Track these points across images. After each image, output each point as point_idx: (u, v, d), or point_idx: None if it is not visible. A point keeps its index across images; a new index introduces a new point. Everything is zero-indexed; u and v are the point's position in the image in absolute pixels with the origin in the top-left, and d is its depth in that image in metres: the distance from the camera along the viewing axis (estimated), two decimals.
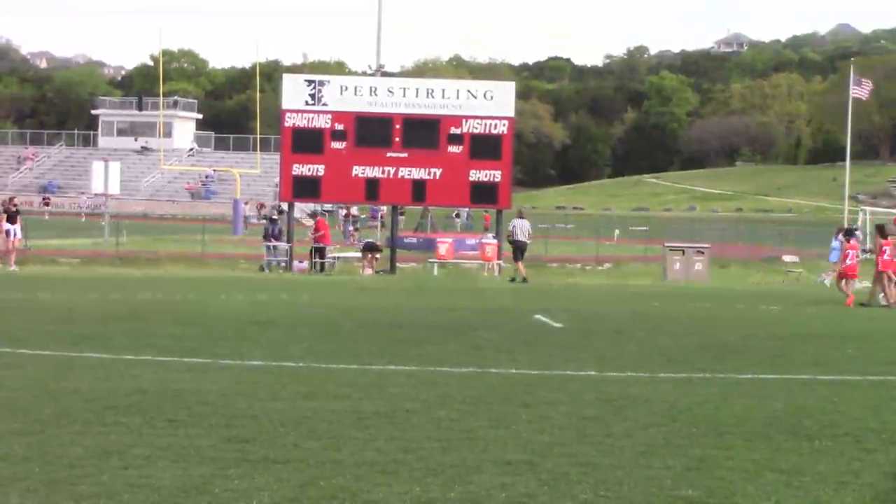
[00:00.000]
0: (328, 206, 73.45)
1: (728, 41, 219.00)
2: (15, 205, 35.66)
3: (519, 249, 34.62)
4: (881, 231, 28.50)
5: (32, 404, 10.57)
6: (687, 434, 9.89)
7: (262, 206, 77.39)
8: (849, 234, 28.55)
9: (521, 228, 34.95)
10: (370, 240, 40.75)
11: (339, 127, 36.08)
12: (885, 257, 27.00)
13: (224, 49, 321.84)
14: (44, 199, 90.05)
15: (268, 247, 37.70)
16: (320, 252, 36.88)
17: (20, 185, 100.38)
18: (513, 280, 33.84)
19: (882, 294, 26.84)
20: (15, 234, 34.39)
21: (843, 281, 27.68)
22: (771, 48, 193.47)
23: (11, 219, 34.51)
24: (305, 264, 36.72)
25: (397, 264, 37.18)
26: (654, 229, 60.44)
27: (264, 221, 47.51)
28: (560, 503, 7.59)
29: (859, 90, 54.93)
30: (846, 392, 12.61)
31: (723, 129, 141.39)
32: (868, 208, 66.25)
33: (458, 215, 67.73)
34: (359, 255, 38.40)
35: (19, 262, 34.00)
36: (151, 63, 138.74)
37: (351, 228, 56.79)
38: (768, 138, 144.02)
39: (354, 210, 59.12)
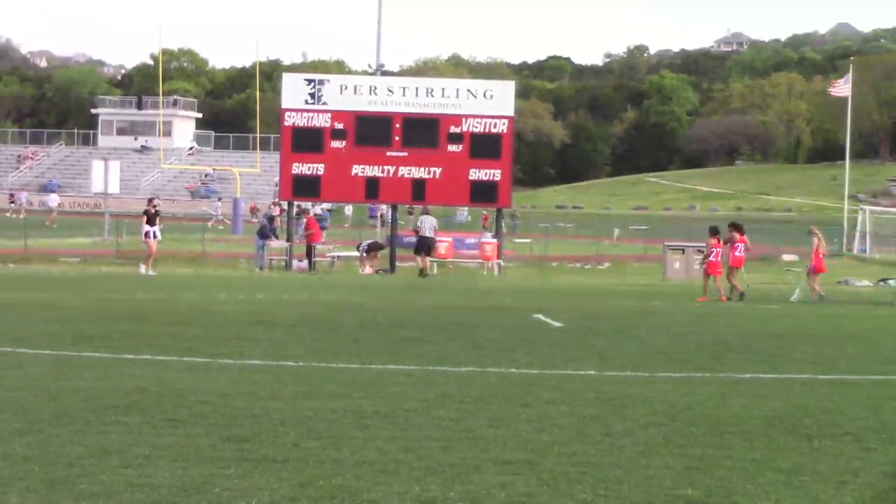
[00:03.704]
0: (327, 205, 73.43)
1: (728, 40, 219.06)
2: (155, 206, 34.89)
3: (425, 245, 35.44)
4: (737, 228, 29.49)
5: (32, 404, 10.56)
6: (686, 433, 9.89)
7: (255, 207, 76.65)
8: (714, 231, 29.29)
9: (428, 224, 35.86)
10: (373, 240, 40.75)
11: (339, 126, 36.10)
12: (738, 253, 28.71)
13: (224, 48, 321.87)
14: (10, 195, 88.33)
15: (259, 245, 37.60)
16: (310, 250, 36.90)
17: (20, 185, 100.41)
18: (424, 275, 34.65)
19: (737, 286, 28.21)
20: (155, 236, 33.59)
21: (710, 278, 28.42)
22: (771, 47, 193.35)
23: (151, 220, 33.61)
24: (305, 263, 36.73)
25: (397, 263, 37.21)
26: (654, 228, 60.50)
27: (256, 221, 47.28)
28: (560, 502, 7.58)
29: (843, 87, 56.98)
30: (846, 392, 12.61)
31: (723, 128, 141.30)
32: (868, 207, 66.25)
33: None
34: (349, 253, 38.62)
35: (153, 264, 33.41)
36: (151, 62, 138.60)
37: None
38: (768, 137, 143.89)
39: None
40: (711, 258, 28.57)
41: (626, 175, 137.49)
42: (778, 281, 36.16)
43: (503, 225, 41.16)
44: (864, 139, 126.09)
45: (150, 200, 35.88)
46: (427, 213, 36.76)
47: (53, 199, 75.36)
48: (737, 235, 29.05)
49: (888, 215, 60.91)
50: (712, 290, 28.10)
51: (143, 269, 32.76)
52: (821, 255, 29.15)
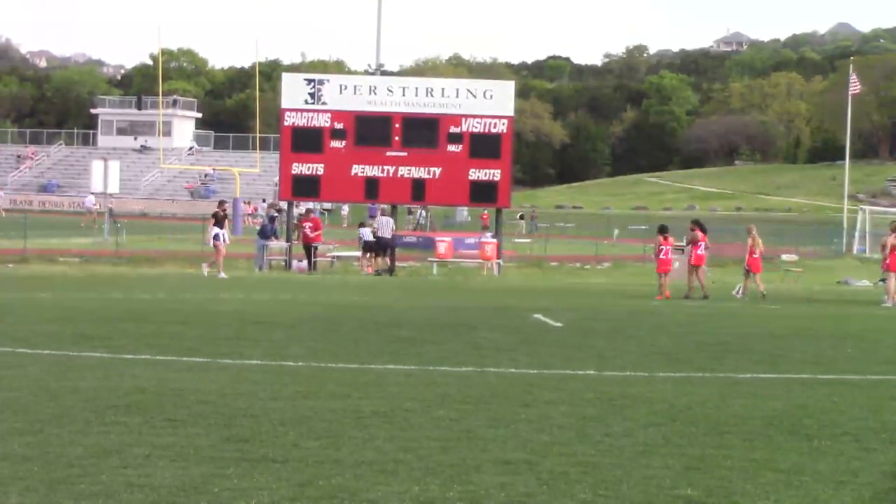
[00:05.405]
0: (327, 205, 73.37)
1: (728, 40, 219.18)
2: (225, 209, 34.47)
3: (383, 245, 36.04)
4: (699, 226, 29.84)
5: (32, 404, 10.55)
6: (686, 433, 9.89)
7: (255, 209, 76.20)
8: (663, 230, 29.48)
9: (386, 225, 36.22)
10: (370, 238, 40.70)
11: (339, 126, 36.11)
12: (699, 251, 28.84)
13: (224, 48, 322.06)
14: None
15: (261, 246, 37.56)
16: (313, 250, 36.84)
17: (19, 185, 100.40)
18: (378, 273, 35.45)
19: (699, 285, 28.57)
20: (224, 239, 33.01)
21: (662, 275, 28.78)
22: (770, 47, 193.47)
23: (220, 223, 33.05)
24: (304, 264, 36.70)
25: (396, 263, 37.19)
26: (654, 228, 60.44)
27: (259, 220, 47.10)
28: (559, 503, 7.58)
29: (853, 87, 58.34)
30: (846, 392, 12.61)
31: (722, 128, 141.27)
32: (867, 207, 66.25)
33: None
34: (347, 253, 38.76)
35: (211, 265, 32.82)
36: (151, 62, 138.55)
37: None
38: (768, 137, 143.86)
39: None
40: (661, 256, 28.73)
41: (625, 175, 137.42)
42: (776, 280, 36.20)
43: (522, 226, 41.14)
44: (864, 139, 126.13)
45: (221, 203, 35.57)
46: (385, 215, 37.12)
47: (90, 201, 74.81)
48: (699, 234, 29.20)
49: (888, 215, 60.89)
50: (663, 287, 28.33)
51: (221, 274, 32.00)
52: (755, 255, 29.30)
